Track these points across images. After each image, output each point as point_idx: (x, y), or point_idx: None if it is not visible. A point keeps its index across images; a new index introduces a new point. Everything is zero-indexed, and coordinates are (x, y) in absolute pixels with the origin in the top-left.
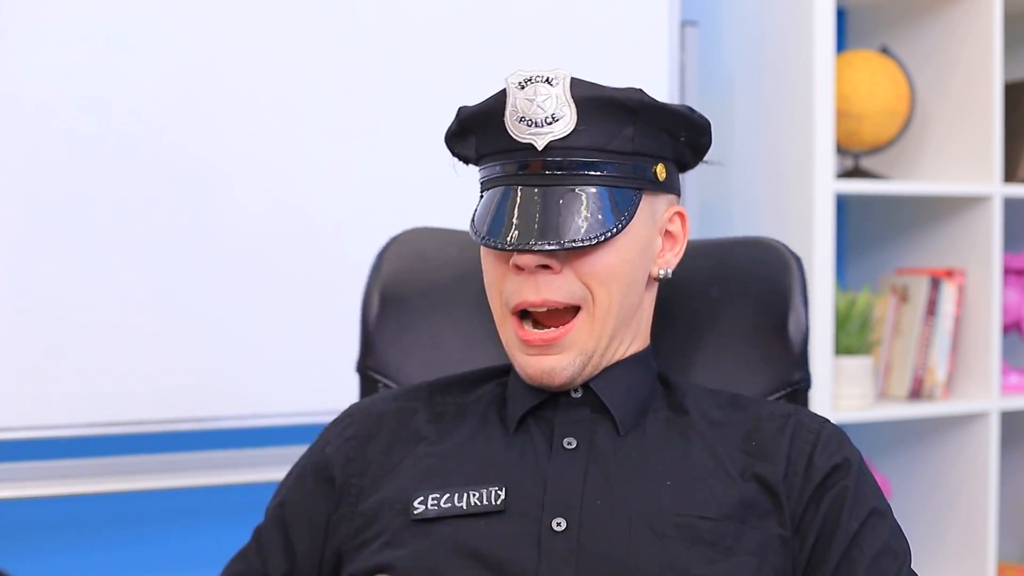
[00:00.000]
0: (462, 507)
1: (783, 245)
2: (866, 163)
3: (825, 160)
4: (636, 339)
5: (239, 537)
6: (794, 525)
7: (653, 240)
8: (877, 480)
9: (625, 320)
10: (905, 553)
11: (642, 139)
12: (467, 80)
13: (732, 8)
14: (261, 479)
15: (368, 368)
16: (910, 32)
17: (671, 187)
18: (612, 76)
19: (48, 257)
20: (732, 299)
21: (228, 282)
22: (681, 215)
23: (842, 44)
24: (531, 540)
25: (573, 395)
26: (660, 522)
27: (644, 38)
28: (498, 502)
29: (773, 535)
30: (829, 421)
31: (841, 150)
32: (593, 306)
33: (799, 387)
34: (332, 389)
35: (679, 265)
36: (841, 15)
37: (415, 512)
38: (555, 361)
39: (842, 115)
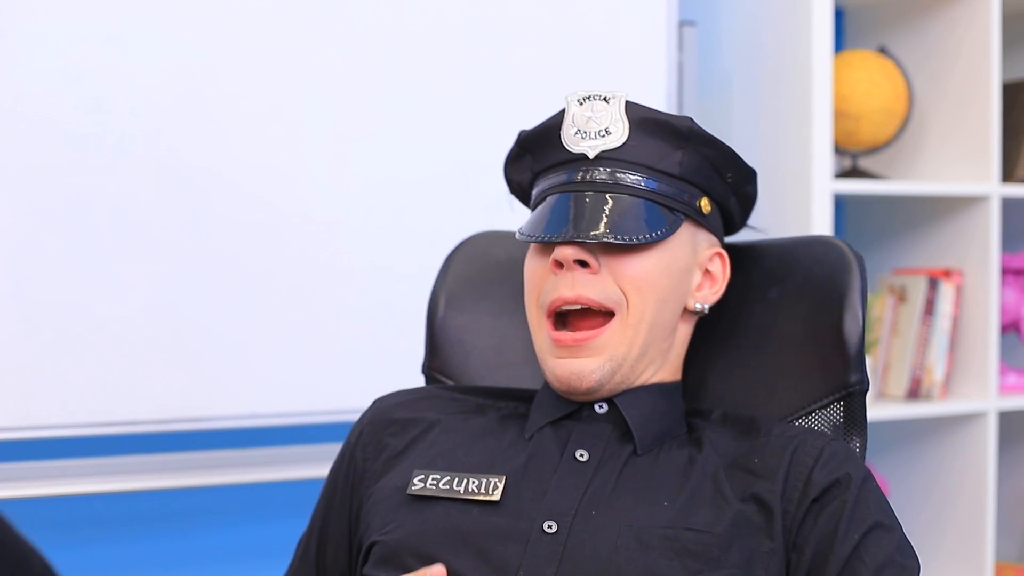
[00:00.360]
0: (459, 491)
1: (846, 244)
2: (864, 163)
3: (823, 160)
4: (666, 367)
5: (237, 537)
6: (789, 539)
7: (692, 271)
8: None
9: (657, 338)
10: (912, 569)
11: (689, 166)
12: (466, 81)
13: (730, 8)
14: (260, 479)
15: (433, 369)
16: (908, 32)
17: (714, 227)
18: (610, 76)
19: (47, 258)
20: (790, 301)
21: (227, 282)
22: (722, 256)
23: (840, 44)
24: (520, 537)
25: (598, 410)
26: (648, 534)
27: (642, 38)
28: (495, 493)
29: (762, 550)
30: (837, 440)
31: (839, 150)
32: (627, 312)
33: (855, 389)
34: (331, 389)
35: (742, 267)
36: (839, 15)
37: (412, 487)
38: (585, 364)
39: (840, 115)
